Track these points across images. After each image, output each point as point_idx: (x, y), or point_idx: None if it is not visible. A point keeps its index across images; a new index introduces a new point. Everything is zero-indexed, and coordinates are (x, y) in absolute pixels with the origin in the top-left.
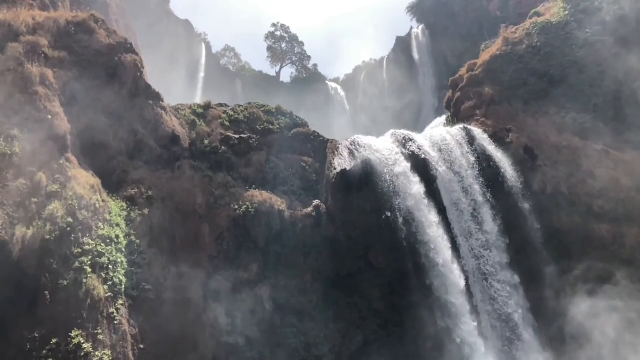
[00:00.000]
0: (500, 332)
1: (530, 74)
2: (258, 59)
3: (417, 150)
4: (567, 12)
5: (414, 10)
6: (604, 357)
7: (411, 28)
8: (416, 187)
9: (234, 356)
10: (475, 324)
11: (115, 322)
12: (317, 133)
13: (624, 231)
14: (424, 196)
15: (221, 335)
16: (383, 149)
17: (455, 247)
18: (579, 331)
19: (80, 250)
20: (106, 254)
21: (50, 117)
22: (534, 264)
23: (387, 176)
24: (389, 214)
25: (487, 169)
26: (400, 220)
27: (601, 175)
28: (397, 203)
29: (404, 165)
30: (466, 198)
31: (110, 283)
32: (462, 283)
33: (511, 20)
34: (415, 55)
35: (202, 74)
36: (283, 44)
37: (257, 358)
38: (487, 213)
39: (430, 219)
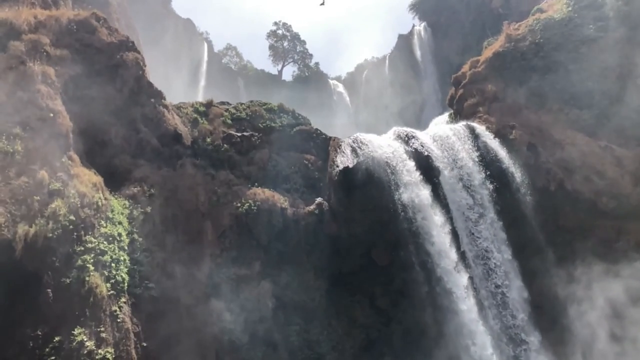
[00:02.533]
0: None
1: (533, 71)
2: (260, 58)
3: (420, 148)
4: (570, 9)
5: (415, 8)
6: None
7: (413, 26)
8: (437, 228)
9: (237, 353)
10: None
11: (118, 320)
12: (319, 131)
13: (629, 228)
14: (449, 244)
15: (223, 332)
16: (386, 146)
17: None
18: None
19: (82, 249)
20: (109, 252)
21: (52, 115)
22: (537, 261)
23: (398, 204)
24: (402, 253)
25: (490, 166)
26: (416, 262)
27: (605, 172)
28: (413, 243)
29: (423, 196)
30: (495, 251)
31: (112, 281)
32: None
33: (513, 17)
34: (418, 53)
35: (203, 73)
36: (285, 43)
37: (260, 355)
38: (512, 268)
39: (460, 282)
